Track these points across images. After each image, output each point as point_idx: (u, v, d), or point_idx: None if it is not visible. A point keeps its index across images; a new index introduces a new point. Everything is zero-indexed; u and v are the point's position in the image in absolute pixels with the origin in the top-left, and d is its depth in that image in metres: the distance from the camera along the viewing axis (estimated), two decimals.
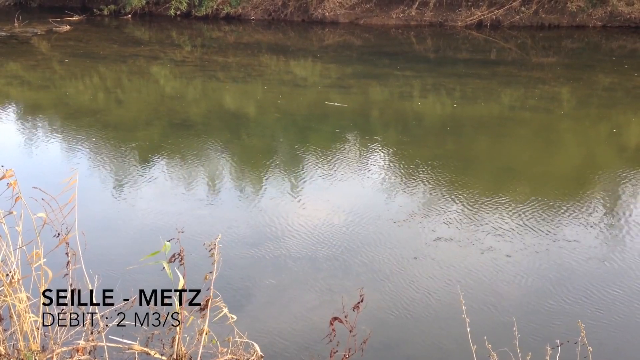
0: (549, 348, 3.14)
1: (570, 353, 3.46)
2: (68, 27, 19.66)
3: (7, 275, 3.42)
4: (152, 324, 3.83)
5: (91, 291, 3.44)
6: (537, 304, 4.73)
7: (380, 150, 8.46)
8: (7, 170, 3.36)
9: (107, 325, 3.47)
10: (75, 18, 21.27)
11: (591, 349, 3.09)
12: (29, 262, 3.41)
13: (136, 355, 3.49)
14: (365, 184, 7.17)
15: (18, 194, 3.36)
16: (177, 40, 18.12)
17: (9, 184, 3.32)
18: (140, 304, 3.93)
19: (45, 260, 3.42)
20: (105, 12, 22.02)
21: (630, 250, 5.56)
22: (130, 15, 21.92)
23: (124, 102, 11.70)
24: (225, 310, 3.43)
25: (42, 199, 3.38)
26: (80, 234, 3.50)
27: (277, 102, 10.97)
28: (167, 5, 21.38)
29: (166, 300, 3.61)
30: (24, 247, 3.43)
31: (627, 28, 18.37)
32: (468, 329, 3.25)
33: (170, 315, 3.49)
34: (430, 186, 7.04)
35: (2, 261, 3.43)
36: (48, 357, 3.30)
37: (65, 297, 3.56)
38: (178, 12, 21.45)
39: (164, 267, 3.21)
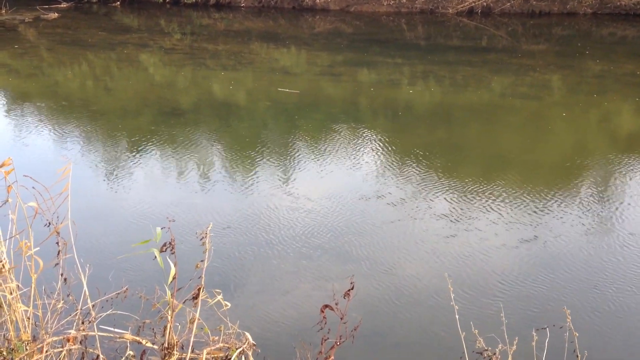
0: (535, 333, 3.18)
1: (557, 338, 3.51)
2: (56, 14, 19.45)
3: None
4: (144, 313, 3.84)
5: (82, 280, 3.44)
6: (525, 290, 4.78)
7: (370, 137, 8.47)
8: (5, 159, 3.33)
9: (99, 316, 3.48)
10: (63, 5, 21.03)
11: (577, 334, 3.13)
12: (19, 252, 3.40)
13: (128, 344, 3.50)
14: (356, 172, 7.19)
15: (10, 184, 3.34)
16: (167, 28, 17.97)
17: (5, 173, 3.30)
18: (132, 293, 3.94)
19: (38, 249, 3.41)
20: None
21: (617, 238, 5.62)
22: (118, 3, 21.70)
23: (113, 90, 11.62)
24: (219, 297, 3.44)
25: (33, 187, 3.36)
26: (71, 223, 3.49)
27: (268, 90, 10.94)
28: None
29: (157, 289, 3.62)
30: (17, 236, 3.41)
31: (617, 15, 18.42)
32: (457, 316, 3.28)
33: (161, 304, 3.50)
34: (421, 174, 7.07)
35: None
36: (39, 346, 3.30)
37: (56, 286, 3.56)
38: None
39: (155, 257, 3.21)
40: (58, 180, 3.39)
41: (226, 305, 3.52)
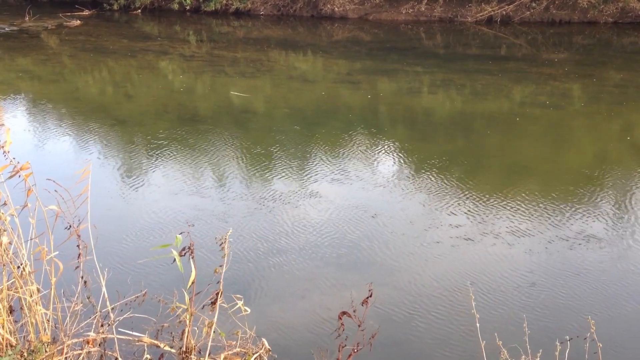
0: (558, 344, 3.13)
1: (579, 349, 3.44)
2: (78, 21, 19.74)
3: (18, 267, 3.44)
4: (162, 317, 3.85)
5: (101, 284, 3.46)
6: (547, 300, 4.71)
7: (389, 146, 8.44)
8: (23, 163, 3.38)
9: (117, 319, 3.49)
10: (86, 13, 21.35)
11: (601, 345, 3.07)
12: (40, 255, 3.44)
13: (145, 348, 3.51)
14: (375, 179, 7.16)
15: (30, 187, 3.38)
16: (186, 35, 18.14)
17: (25, 176, 3.34)
18: (150, 297, 3.96)
19: (57, 253, 3.44)
20: (115, 7, 22.09)
21: None
22: (139, 10, 21.98)
23: (133, 97, 11.74)
24: (240, 303, 3.44)
25: (56, 190, 3.40)
26: (91, 227, 3.52)
27: (286, 97, 10.97)
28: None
29: (176, 294, 3.63)
30: (36, 240, 3.45)
31: (639, 24, 18.21)
32: (477, 325, 3.24)
33: (179, 308, 3.50)
34: (440, 182, 7.02)
35: (13, 253, 3.45)
36: (58, 348, 3.33)
37: (76, 289, 3.58)
38: (187, 7, 21.49)
39: (174, 261, 3.22)
40: (78, 181, 3.42)
41: (245, 310, 3.52)
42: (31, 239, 3.48)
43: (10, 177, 3.34)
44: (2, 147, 3.29)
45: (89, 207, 3.41)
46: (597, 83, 11.95)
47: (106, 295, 3.41)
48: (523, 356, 3.11)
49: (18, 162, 3.34)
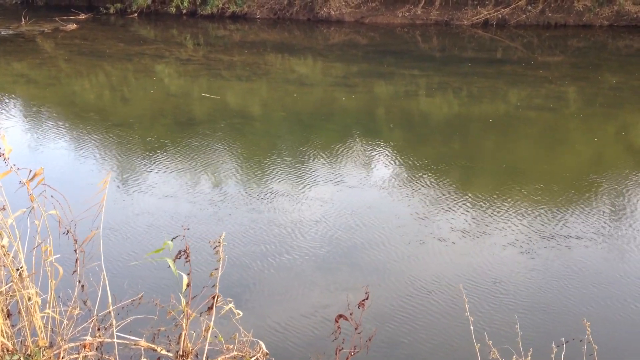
0: (554, 346, 3.14)
1: (576, 351, 3.46)
2: (74, 25, 19.73)
3: (17, 270, 3.45)
4: (159, 321, 3.85)
5: (99, 288, 3.47)
6: (542, 302, 4.73)
7: (385, 149, 8.47)
8: (37, 169, 3.40)
9: (115, 322, 3.50)
10: (82, 16, 21.34)
11: (597, 347, 3.09)
12: (41, 259, 3.44)
13: (142, 352, 3.52)
14: (371, 182, 7.18)
15: (31, 193, 3.39)
16: (183, 39, 18.15)
17: (26, 182, 3.35)
18: (147, 301, 3.96)
19: (58, 256, 3.45)
20: (112, 11, 22.09)
21: (636, 249, 5.55)
22: (136, 14, 21.98)
23: (129, 101, 11.74)
24: (231, 305, 3.45)
25: (52, 196, 3.41)
26: (88, 232, 3.52)
27: (283, 101, 10.99)
28: (173, 3, 21.49)
29: (173, 297, 3.64)
30: (41, 243, 3.45)
31: (634, 27, 18.30)
32: (471, 327, 3.25)
33: (176, 312, 3.51)
34: (436, 185, 7.05)
35: (13, 257, 3.45)
36: (55, 353, 3.33)
37: (73, 293, 3.59)
38: (184, 11, 21.51)
39: (169, 265, 3.24)
40: (97, 192, 3.45)
41: (238, 313, 3.53)
42: (35, 248, 3.49)
43: (27, 181, 3.36)
44: (3, 154, 3.30)
45: (102, 216, 3.43)
46: (592, 86, 12.01)
47: (109, 299, 3.42)
48: (520, 358, 3.13)
49: (18, 169, 3.36)
